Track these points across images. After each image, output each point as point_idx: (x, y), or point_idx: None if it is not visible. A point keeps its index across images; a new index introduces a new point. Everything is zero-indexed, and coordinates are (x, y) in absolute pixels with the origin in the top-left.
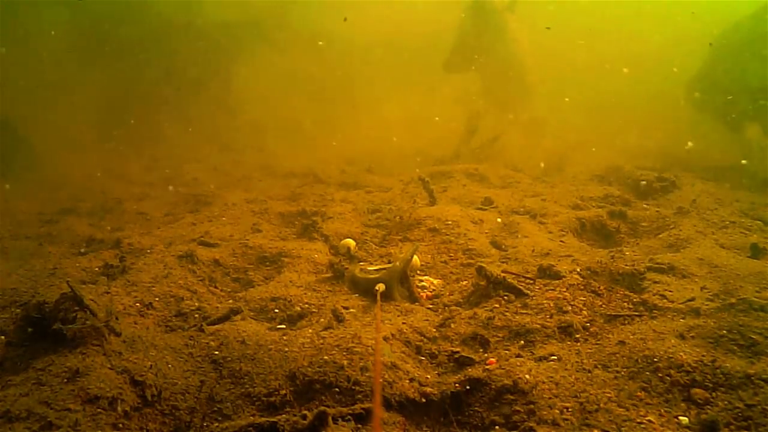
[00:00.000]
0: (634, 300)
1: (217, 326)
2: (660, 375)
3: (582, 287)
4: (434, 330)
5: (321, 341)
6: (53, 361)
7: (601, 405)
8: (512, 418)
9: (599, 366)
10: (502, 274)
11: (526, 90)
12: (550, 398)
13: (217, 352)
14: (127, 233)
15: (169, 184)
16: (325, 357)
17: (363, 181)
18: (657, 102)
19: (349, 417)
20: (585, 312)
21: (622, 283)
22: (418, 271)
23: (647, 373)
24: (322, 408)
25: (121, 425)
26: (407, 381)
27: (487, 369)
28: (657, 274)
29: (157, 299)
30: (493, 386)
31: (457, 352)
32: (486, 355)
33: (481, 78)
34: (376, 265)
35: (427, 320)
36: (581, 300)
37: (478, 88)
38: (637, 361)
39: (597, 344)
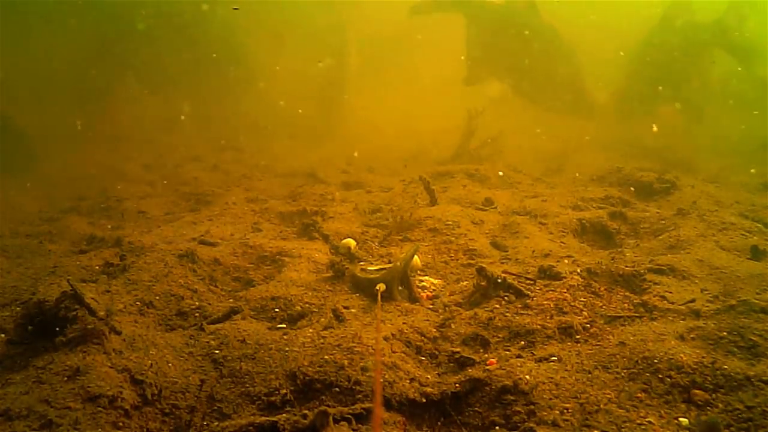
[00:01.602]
0: (635, 301)
1: (217, 325)
2: (660, 376)
3: (582, 288)
4: (434, 330)
5: (321, 341)
6: (53, 359)
7: (602, 406)
8: (512, 419)
9: (599, 367)
10: (503, 275)
11: (580, 81)
12: (550, 399)
13: (217, 351)
14: (128, 232)
15: (170, 182)
16: (326, 356)
17: (364, 180)
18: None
19: (349, 416)
20: (585, 313)
21: (622, 284)
22: (419, 272)
23: (647, 374)
24: (323, 407)
25: (121, 424)
26: (408, 381)
27: (488, 369)
28: (657, 276)
29: (157, 298)
30: (493, 387)
31: (458, 352)
32: (486, 355)
33: (523, 82)
34: (377, 264)
35: (428, 320)
36: (581, 301)
37: (501, 92)
38: (638, 363)
39: (597, 345)
